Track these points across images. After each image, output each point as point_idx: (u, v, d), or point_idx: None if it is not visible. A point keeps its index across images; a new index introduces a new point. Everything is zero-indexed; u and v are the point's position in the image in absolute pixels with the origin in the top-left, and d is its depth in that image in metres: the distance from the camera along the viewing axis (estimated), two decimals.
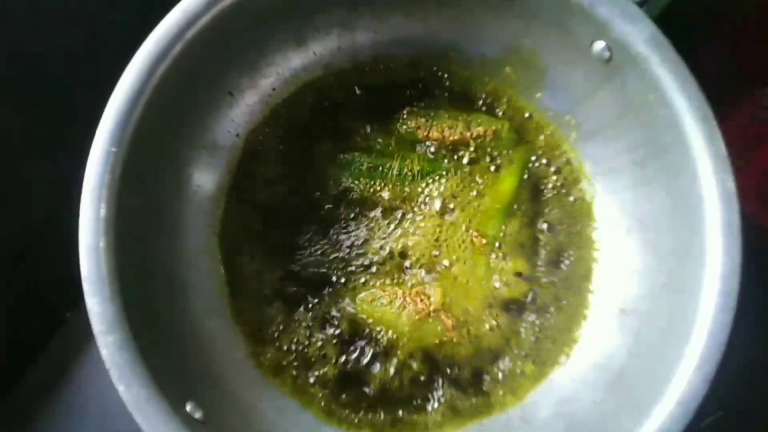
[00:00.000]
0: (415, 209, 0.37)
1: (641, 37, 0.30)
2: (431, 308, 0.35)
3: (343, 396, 0.35)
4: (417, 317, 0.35)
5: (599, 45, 0.31)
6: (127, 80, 0.29)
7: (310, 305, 0.36)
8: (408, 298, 0.35)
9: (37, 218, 0.41)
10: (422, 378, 0.35)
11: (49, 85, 0.39)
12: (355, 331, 0.35)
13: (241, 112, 0.37)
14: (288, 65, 0.37)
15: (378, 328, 0.35)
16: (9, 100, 0.38)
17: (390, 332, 0.35)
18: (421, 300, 0.35)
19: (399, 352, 0.35)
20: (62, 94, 0.40)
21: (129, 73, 0.29)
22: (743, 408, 0.40)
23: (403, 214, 0.37)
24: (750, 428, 0.41)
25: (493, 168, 0.37)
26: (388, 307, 0.35)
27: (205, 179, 0.36)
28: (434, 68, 0.38)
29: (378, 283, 0.36)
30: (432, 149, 0.38)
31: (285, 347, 0.35)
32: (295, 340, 0.35)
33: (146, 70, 0.30)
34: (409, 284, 0.36)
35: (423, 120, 0.38)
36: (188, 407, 0.28)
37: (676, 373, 0.28)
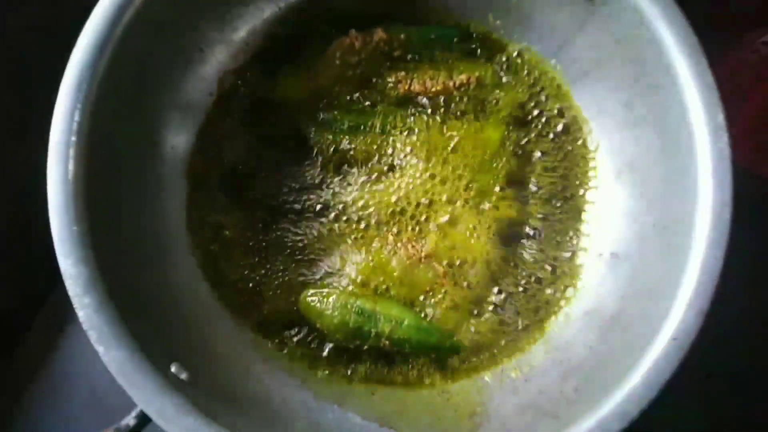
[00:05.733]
0: (402, 165, 0.36)
1: None
2: (422, 254, 0.34)
3: (330, 350, 0.34)
4: (408, 262, 0.34)
5: None
6: (88, 32, 0.28)
7: (293, 263, 0.35)
8: (399, 244, 0.34)
9: (21, 198, 0.39)
10: (412, 331, 0.34)
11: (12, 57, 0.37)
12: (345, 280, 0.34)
13: (212, 69, 0.35)
14: (260, 17, 0.35)
15: (368, 276, 0.34)
16: None
17: (381, 279, 0.34)
18: (413, 246, 0.34)
19: (389, 304, 0.34)
20: (25, 68, 0.38)
21: (90, 25, 0.28)
22: (739, 355, 0.40)
23: (390, 171, 0.36)
24: (746, 374, 0.41)
25: (480, 116, 0.36)
26: (379, 251, 0.34)
27: (180, 139, 0.34)
28: (417, 18, 0.37)
29: (368, 237, 0.35)
30: (416, 102, 0.36)
31: (268, 305, 0.34)
32: (279, 296, 0.34)
33: (109, 21, 0.28)
34: (401, 237, 0.35)
35: (403, 73, 0.36)
36: (173, 368, 0.27)
37: (671, 310, 0.27)
